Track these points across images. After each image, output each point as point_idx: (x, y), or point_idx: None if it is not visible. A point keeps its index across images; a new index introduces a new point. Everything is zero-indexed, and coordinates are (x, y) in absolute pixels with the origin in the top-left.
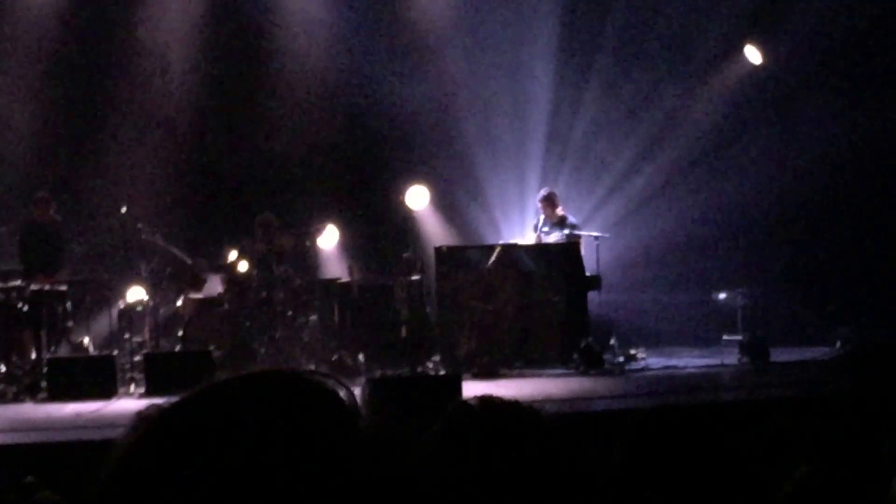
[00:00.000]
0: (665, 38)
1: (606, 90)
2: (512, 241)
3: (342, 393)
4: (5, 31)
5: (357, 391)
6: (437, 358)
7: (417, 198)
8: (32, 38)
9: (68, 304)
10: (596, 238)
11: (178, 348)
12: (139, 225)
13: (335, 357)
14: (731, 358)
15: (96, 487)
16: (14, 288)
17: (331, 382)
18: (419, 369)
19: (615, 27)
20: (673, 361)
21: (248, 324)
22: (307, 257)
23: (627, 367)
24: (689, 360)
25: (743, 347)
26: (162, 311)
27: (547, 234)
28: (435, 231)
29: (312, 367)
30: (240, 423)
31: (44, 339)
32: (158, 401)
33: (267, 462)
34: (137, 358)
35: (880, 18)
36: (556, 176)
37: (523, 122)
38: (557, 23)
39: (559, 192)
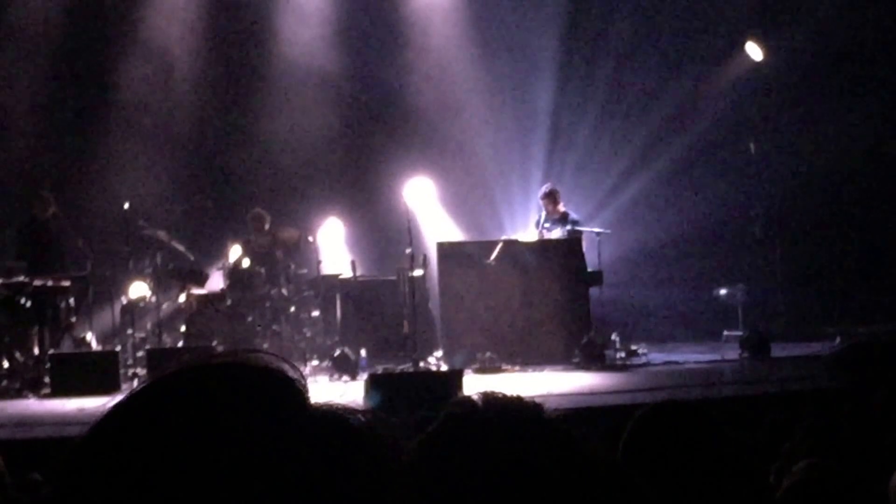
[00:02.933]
0: (669, 36)
1: (611, 87)
2: (514, 236)
3: (289, 371)
4: (7, 28)
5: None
6: (439, 353)
7: (419, 193)
8: (34, 33)
9: (71, 300)
10: (598, 234)
11: (180, 343)
12: (141, 221)
13: (337, 352)
14: (732, 353)
15: (51, 485)
16: (17, 284)
17: (275, 360)
18: (421, 365)
19: (620, 24)
20: (674, 357)
21: (250, 319)
22: (309, 253)
23: (629, 363)
24: (690, 356)
25: (743, 343)
26: (164, 306)
27: (549, 230)
28: (437, 226)
29: (313, 362)
30: (185, 412)
31: (47, 335)
32: None
33: (214, 448)
34: (140, 353)
35: (883, 15)
36: (560, 172)
37: (527, 118)
38: (563, 18)
39: (563, 188)
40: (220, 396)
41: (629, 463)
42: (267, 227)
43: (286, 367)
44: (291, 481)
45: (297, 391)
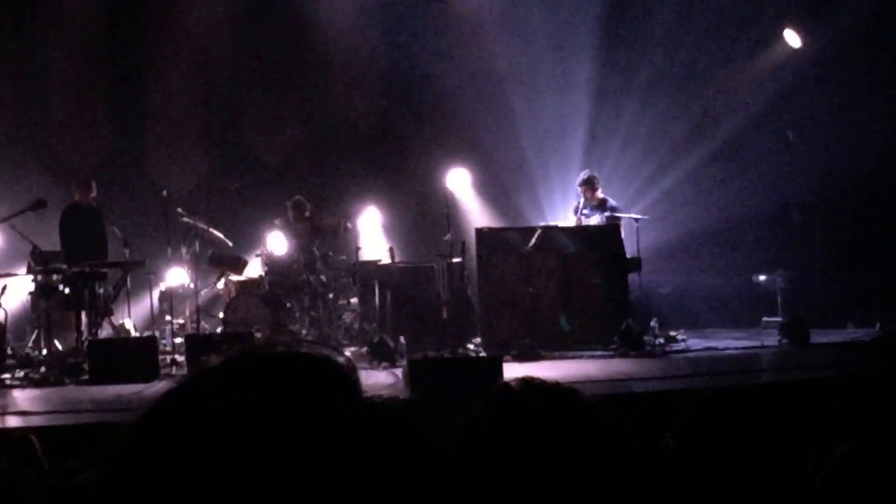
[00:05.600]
0: (709, 24)
1: (651, 74)
2: (553, 223)
3: (340, 361)
4: (47, 16)
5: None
6: (477, 340)
7: (458, 180)
8: (74, 22)
9: (110, 287)
10: (636, 220)
11: (219, 330)
12: (180, 208)
13: (376, 339)
14: (772, 340)
15: (101, 471)
16: (56, 270)
17: (327, 351)
18: (460, 351)
19: (662, 11)
20: (713, 343)
21: (288, 305)
22: (348, 239)
23: (667, 349)
24: (729, 342)
25: (783, 329)
26: (203, 293)
27: (587, 216)
28: (476, 213)
29: (351, 348)
30: (239, 400)
31: (85, 322)
32: None
33: (267, 439)
34: (179, 340)
35: None
36: (600, 159)
37: (567, 104)
38: (605, 6)
39: (602, 175)
40: (277, 385)
41: (684, 449)
42: (307, 213)
43: (340, 357)
44: (344, 469)
45: (351, 382)
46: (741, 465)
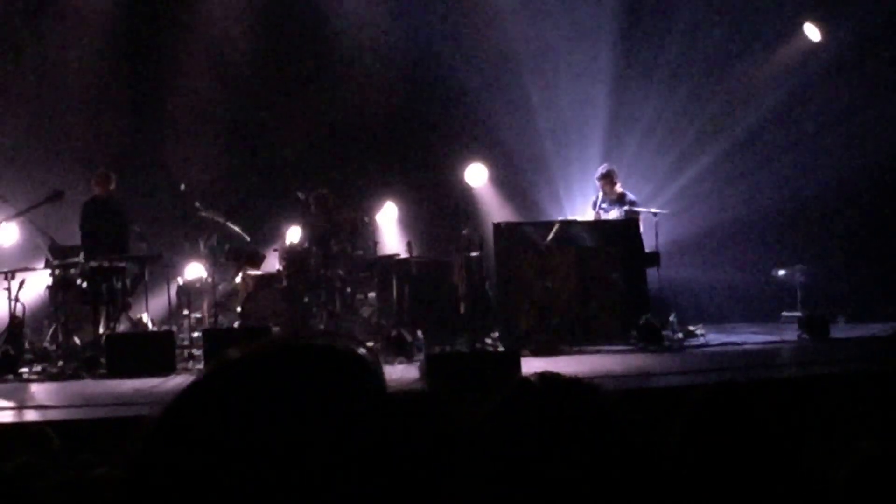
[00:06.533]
0: (730, 17)
1: (671, 68)
2: (572, 217)
3: (364, 353)
4: (65, 9)
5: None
6: (495, 334)
7: (476, 174)
8: (92, 15)
9: (127, 281)
10: (655, 214)
11: (236, 324)
12: (198, 202)
13: (394, 333)
14: (791, 334)
15: (126, 466)
16: (74, 264)
17: (353, 344)
18: (478, 346)
19: (682, 4)
20: (732, 338)
21: (306, 300)
22: (366, 233)
23: (686, 344)
24: (749, 337)
25: (802, 324)
26: (221, 287)
27: (606, 210)
28: (494, 207)
29: (369, 342)
30: (264, 393)
31: (103, 316)
32: None
33: (292, 430)
34: (196, 334)
35: None
36: (619, 153)
37: (586, 98)
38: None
39: (621, 169)
40: (301, 377)
41: (688, 444)
42: (323, 206)
43: (365, 351)
44: (368, 460)
45: (375, 374)
46: (747, 461)
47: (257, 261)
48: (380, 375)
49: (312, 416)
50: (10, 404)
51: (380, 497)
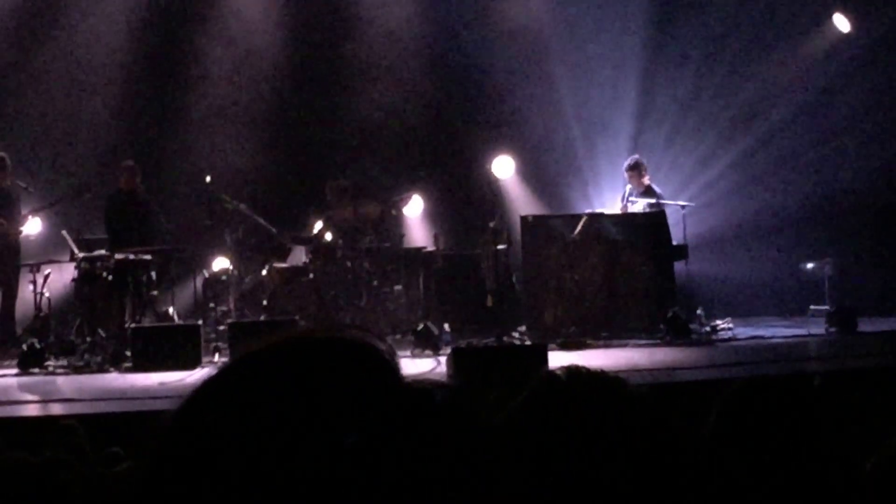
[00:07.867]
0: (759, 11)
1: (701, 62)
2: (600, 210)
3: (383, 348)
4: (94, 4)
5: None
6: (522, 327)
7: (503, 167)
8: (120, 9)
9: (153, 274)
10: (682, 207)
11: (262, 318)
12: (223, 195)
13: (420, 326)
14: (819, 328)
15: (143, 460)
16: (99, 257)
17: (367, 337)
18: (505, 339)
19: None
20: (760, 331)
21: (332, 293)
22: (392, 226)
23: (714, 337)
24: (776, 331)
25: (830, 317)
26: (247, 280)
27: (633, 203)
28: (521, 200)
29: (395, 336)
30: (281, 386)
31: (128, 309)
32: None
33: (307, 424)
34: (222, 327)
35: None
36: (649, 147)
37: (616, 91)
38: None
39: (650, 162)
40: (317, 371)
41: (719, 438)
42: (348, 198)
43: (380, 343)
44: (384, 455)
45: (390, 366)
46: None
47: (283, 253)
48: (395, 369)
49: (326, 408)
50: (37, 397)
51: (393, 490)
